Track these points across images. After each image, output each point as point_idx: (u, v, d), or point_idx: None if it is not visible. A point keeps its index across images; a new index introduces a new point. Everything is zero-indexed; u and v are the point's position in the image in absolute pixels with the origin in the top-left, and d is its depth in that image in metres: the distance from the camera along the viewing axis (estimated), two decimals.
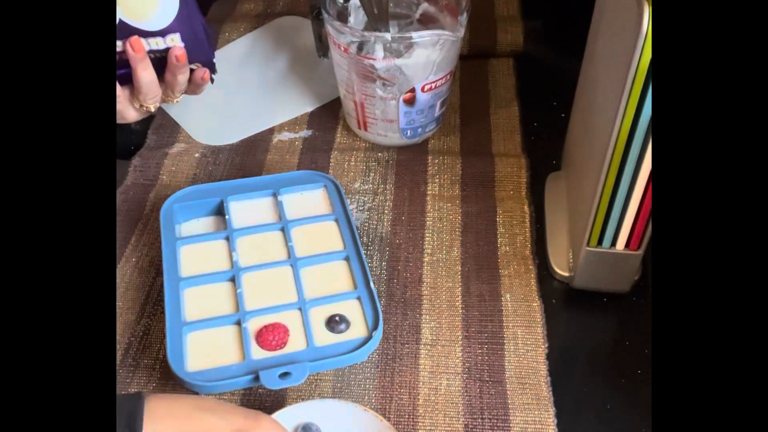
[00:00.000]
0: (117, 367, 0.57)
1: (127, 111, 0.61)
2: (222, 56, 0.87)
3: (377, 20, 0.71)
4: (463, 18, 0.67)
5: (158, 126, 0.79)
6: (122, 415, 0.37)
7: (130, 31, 0.55)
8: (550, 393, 0.55)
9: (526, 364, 0.56)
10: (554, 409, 0.54)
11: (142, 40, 0.56)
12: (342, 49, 0.68)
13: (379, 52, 0.66)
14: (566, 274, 0.62)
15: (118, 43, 0.56)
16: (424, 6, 0.75)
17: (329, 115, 0.80)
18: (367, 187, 0.71)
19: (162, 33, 0.56)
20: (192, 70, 0.61)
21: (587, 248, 0.57)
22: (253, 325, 0.57)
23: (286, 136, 0.77)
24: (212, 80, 0.63)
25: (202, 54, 0.60)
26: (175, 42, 0.57)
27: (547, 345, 0.58)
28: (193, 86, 0.62)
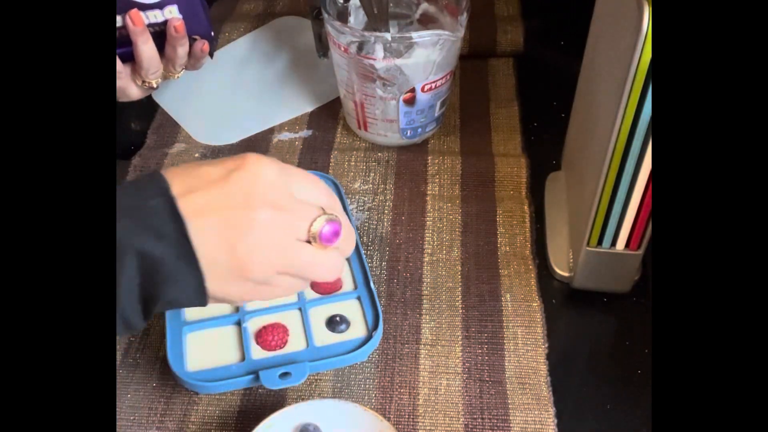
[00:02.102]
0: (117, 367, 0.57)
1: (129, 88, 0.62)
2: (222, 56, 0.87)
3: (377, 20, 0.71)
4: (463, 18, 0.67)
5: (158, 126, 0.79)
6: (152, 186, 0.41)
7: (128, 4, 0.56)
8: (550, 393, 0.55)
9: (526, 364, 0.56)
10: (554, 409, 0.54)
11: (141, 13, 0.56)
12: (342, 49, 0.68)
13: (379, 52, 0.66)
14: (566, 274, 0.62)
15: (118, 18, 0.57)
16: (424, 6, 0.75)
17: (329, 115, 0.80)
18: (367, 187, 0.71)
19: (159, 5, 0.57)
20: (191, 43, 0.61)
21: (587, 248, 0.57)
22: (253, 325, 0.57)
23: (286, 136, 0.77)
24: (211, 55, 0.63)
25: (200, 26, 0.61)
26: (173, 14, 0.58)
27: (547, 345, 0.58)
28: (193, 60, 0.63)
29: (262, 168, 0.42)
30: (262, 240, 0.41)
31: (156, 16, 0.58)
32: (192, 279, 0.40)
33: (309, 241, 0.43)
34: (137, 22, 0.56)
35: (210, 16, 0.63)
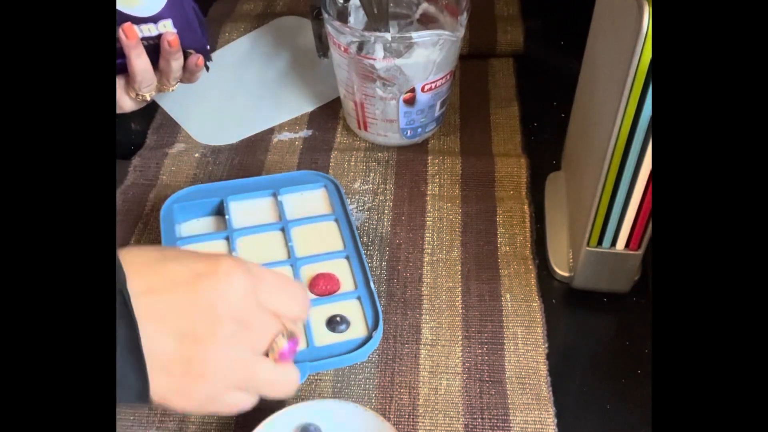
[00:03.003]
0: None
1: (122, 100, 0.61)
2: (222, 56, 0.87)
3: (377, 20, 0.71)
4: (463, 18, 0.67)
5: (158, 126, 0.79)
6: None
7: (122, 18, 0.56)
8: (550, 393, 0.55)
9: (526, 364, 0.56)
10: (554, 409, 0.54)
11: (135, 27, 0.56)
12: (342, 49, 0.68)
13: (379, 52, 0.66)
14: (566, 274, 0.62)
15: None
16: (424, 6, 0.75)
17: (329, 115, 0.80)
18: (367, 187, 0.71)
19: (153, 19, 0.57)
20: (186, 57, 0.61)
21: (587, 248, 0.57)
22: None
23: (286, 136, 0.77)
24: (207, 67, 0.63)
25: (195, 40, 0.60)
26: (167, 28, 0.57)
27: (547, 345, 0.58)
28: (188, 73, 0.62)
29: (233, 278, 0.40)
30: (220, 356, 0.40)
31: (150, 30, 0.57)
32: (136, 384, 0.37)
33: (266, 353, 0.43)
34: (130, 36, 0.56)
35: (207, 30, 0.62)
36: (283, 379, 0.44)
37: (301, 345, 0.56)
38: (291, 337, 0.43)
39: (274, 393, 0.44)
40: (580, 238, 0.58)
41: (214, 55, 0.63)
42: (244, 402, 0.43)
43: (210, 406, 0.41)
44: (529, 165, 0.72)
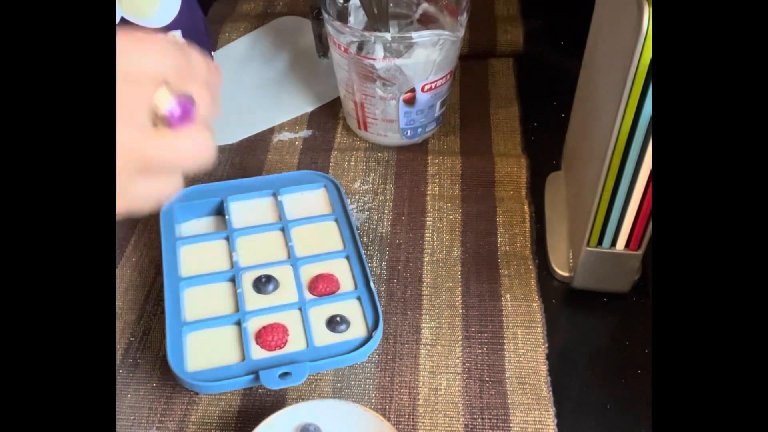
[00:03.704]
0: (117, 367, 0.57)
1: None
2: (222, 56, 0.87)
3: (377, 20, 0.71)
4: (463, 18, 0.67)
5: None
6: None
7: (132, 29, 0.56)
8: (550, 393, 0.55)
9: (526, 364, 0.56)
10: (554, 409, 0.54)
11: None
12: (342, 49, 0.68)
13: (379, 52, 0.66)
14: (566, 274, 0.62)
15: None
16: (424, 6, 0.75)
17: (329, 115, 0.80)
18: (367, 187, 0.71)
19: (164, 30, 0.57)
20: None
21: (587, 248, 0.57)
22: (253, 325, 0.57)
23: (286, 136, 0.77)
24: None
25: (202, 48, 0.61)
26: (176, 38, 0.58)
27: (547, 345, 0.58)
28: None
29: None
30: None
31: None
32: None
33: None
34: None
35: (210, 35, 0.63)
36: (189, 147, 0.35)
37: (300, 345, 0.56)
38: (181, 97, 0.35)
39: (185, 164, 0.36)
40: (580, 238, 0.58)
41: (213, 55, 0.64)
42: (159, 188, 0.36)
43: (124, 204, 0.35)
44: (529, 165, 0.72)
